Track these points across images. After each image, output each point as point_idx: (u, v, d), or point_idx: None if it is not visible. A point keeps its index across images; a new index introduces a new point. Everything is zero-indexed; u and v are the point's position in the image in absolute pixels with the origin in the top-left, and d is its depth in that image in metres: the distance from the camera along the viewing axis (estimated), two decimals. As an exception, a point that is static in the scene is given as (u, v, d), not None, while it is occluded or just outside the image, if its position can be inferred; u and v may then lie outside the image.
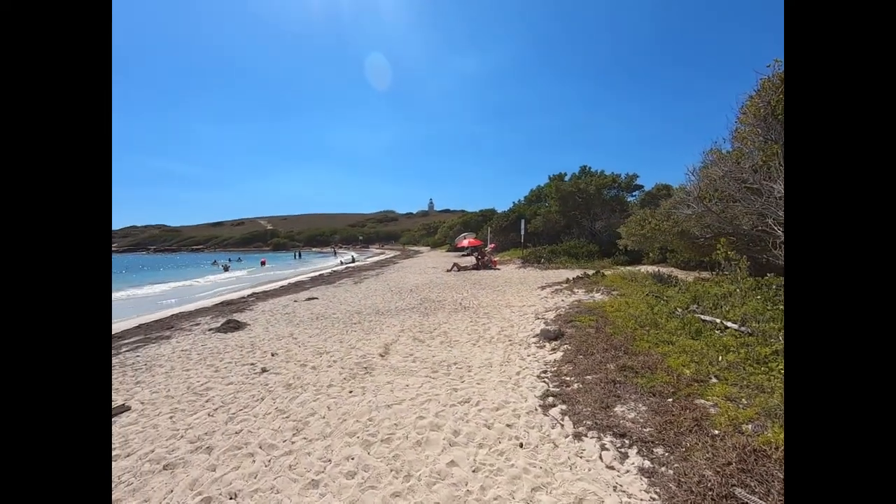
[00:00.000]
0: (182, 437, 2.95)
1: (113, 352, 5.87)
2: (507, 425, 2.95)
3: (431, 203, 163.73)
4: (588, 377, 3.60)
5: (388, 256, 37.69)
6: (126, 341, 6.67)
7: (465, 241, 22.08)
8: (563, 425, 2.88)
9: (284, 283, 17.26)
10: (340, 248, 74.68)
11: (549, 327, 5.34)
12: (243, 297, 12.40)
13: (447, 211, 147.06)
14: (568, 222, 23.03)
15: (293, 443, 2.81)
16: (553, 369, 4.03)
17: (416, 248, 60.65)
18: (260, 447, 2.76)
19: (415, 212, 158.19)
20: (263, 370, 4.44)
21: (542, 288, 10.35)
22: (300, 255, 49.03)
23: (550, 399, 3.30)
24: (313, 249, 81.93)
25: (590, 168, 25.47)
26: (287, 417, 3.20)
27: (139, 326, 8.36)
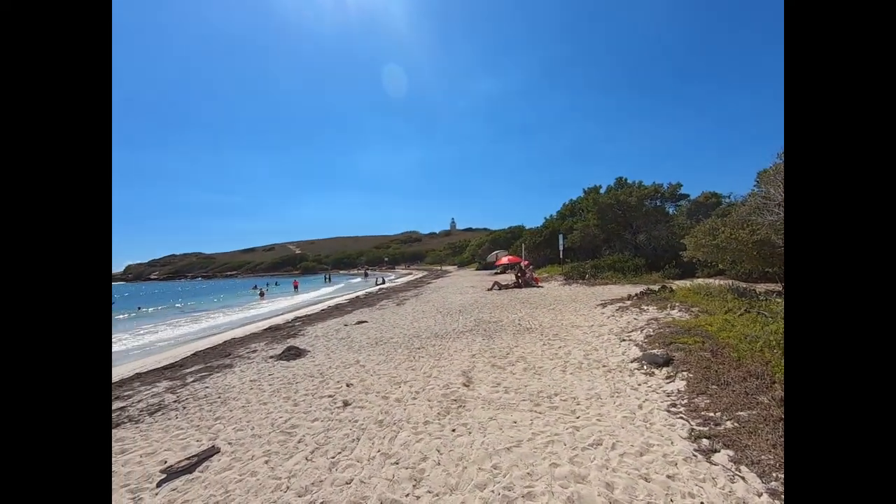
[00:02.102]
0: (288, 488, 2.59)
1: (179, 382, 5.71)
2: (669, 476, 2.43)
3: (453, 222, 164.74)
4: (741, 413, 3.02)
5: (417, 277, 37.52)
6: (188, 370, 6.54)
7: (505, 259, 21.55)
8: (745, 479, 2.33)
9: (324, 306, 17.22)
10: (369, 269, 75.47)
11: (652, 351, 4.77)
12: (289, 322, 12.32)
13: (470, 230, 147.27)
14: (607, 236, 22.18)
15: (419, 498, 2.39)
16: (683, 402, 3.47)
17: (442, 267, 60.43)
18: (382, 503, 2.36)
19: (437, 231, 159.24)
20: (345, 403, 4.09)
21: (602, 305, 9.69)
22: (330, 279, 49.68)
23: (706, 442, 2.75)
24: (340, 272, 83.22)
25: (626, 179, 24.68)
26: (397, 464, 2.80)
27: (195, 354, 8.29)
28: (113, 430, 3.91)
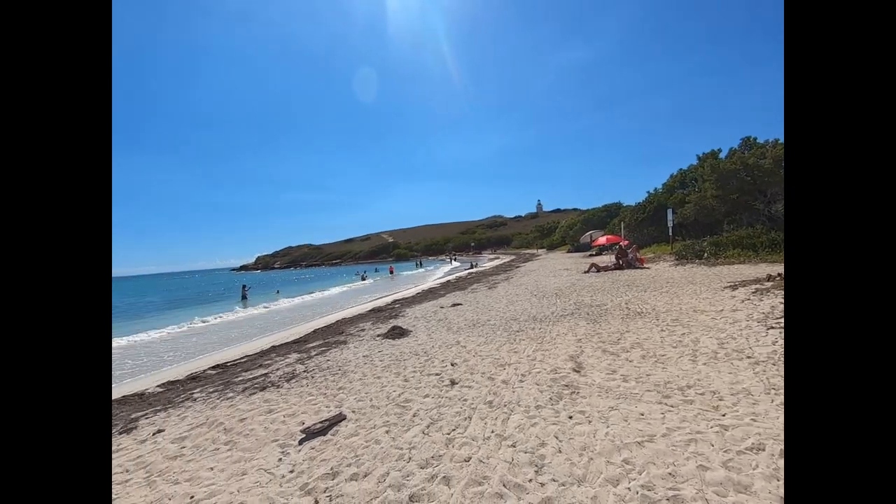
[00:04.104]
0: (410, 459, 2.69)
1: (305, 355, 6.48)
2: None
3: (540, 204, 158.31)
4: None
5: (504, 261, 37.07)
6: (311, 345, 7.40)
7: (602, 239, 19.94)
8: None
9: (418, 290, 18.09)
10: (455, 255, 77.28)
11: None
12: (389, 304, 13.20)
13: (558, 211, 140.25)
14: (730, 208, 18.88)
15: (543, 486, 2.26)
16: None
17: (530, 250, 58.79)
18: (504, 486, 2.28)
19: (523, 214, 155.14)
20: (452, 382, 4.15)
21: (732, 288, 8.24)
22: (421, 264, 52.13)
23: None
24: (429, 258, 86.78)
25: (755, 139, 20.56)
26: (514, 447, 2.70)
27: (315, 331, 9.38)
28: (261, 392, 4.59)
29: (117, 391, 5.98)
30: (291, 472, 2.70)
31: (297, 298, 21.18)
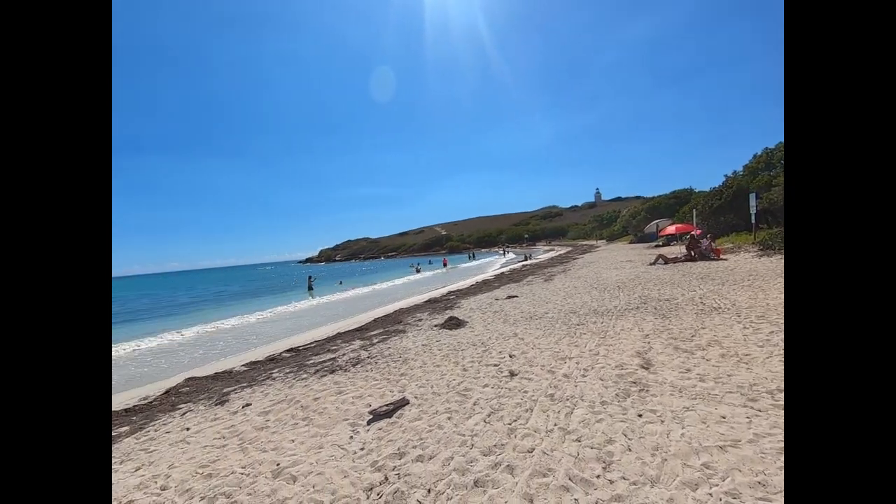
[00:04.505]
0: (473, 445, 2.74)
1: (368, 342, 6.84)
2: None
3: (598, 193, 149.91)
4: None
5: (560, 253, 35.78)
6: (373, 333, 7.78)
7: (671, 228, 18.44)
8: None
9: (472, 282, 18.16)
10: (508, 247, 76.20)
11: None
12: (444, 296, 13.43)
13: (619, 199, 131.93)
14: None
15: (612, 483, 2.18)
16: None
17: (587, 242, 56.12)
18: (571, 479, 2.24)
19: (580, 204, 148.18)
20: (511, 374, 4.13)
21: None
22: (474, 256, 52.18)
23: None
24: (482, 250, 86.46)
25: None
26: (579, 441, 2.64)
27: (375, 320, 9.84)
28: (330, 375, 4.94)
29: (211, 368, 6.80)
30: (362, 449, 2.90)
31: (358, 289, 22.35)
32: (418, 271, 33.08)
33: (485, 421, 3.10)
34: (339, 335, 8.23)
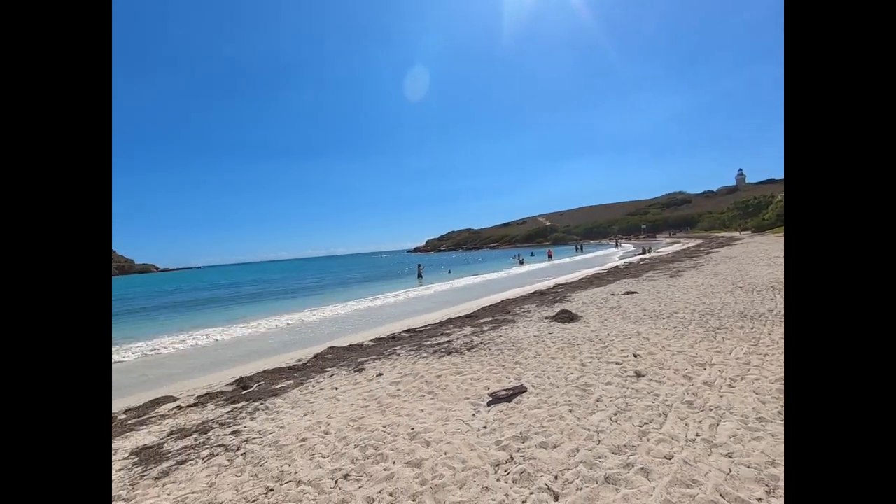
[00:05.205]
0: (600, 441, 2.67)
1: (478, 329, 7.08)
2: None
3: (741, 174, 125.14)
4: None
5: (688, 246, 31.09)
6: (482, 320, 8.02)
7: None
8: None
9: (581, 275, 17.16)
10: (622, 239, 69.47)
11: None
12: (551, 288, 13.01)
13: (770, 181, 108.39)
14: None
15: (780, 510, 1.90)
16: None
17: (725, 233, 47.58)
18: (723, 496, 2.01)
19: (714, 189, 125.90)
20: (638, 375, 3.84)
21: None
22: (581, 248, 49.03)
23: None
24: (591, 242, 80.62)
25: None
26: (730, 457, 2.34)
27: (483, 309, 10.10)
28: (448, 357, 5.30)
29: (346, 341, 7.90)
30: (485, 427, 3.06)
31: (464, 279, 23.18)
32: (522, 263, 32.61)
33: (610, 419, 2.97)
34: (449, 320, 8.71)
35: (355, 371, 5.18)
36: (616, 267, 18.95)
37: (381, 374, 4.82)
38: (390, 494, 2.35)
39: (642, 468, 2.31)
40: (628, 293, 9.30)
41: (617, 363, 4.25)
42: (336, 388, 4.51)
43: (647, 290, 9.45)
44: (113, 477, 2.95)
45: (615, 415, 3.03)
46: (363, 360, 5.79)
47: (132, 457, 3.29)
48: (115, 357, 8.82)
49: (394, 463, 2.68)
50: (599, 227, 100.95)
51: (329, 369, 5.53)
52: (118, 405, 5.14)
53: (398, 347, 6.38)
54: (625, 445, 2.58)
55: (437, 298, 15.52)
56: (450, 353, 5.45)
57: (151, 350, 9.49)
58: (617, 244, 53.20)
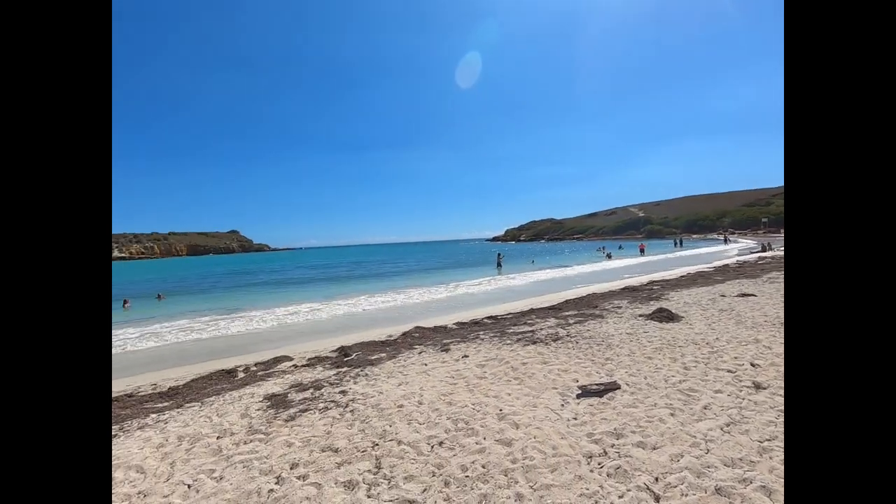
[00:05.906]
0: (708, 451, 2.45)
1: (563, 321, 6.87)
2: None
3: None
4: None
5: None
6: (567, 313, 7.76)
7: None
8: None
9: (681, 272, 15.42)
10: (732, 233, 60.29)
11: None
12: (644, 284, 11.96)
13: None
14: None
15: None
16: None
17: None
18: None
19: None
20: (758, 386, 3.39)
21: None
22: (681, 243, 43.77)
23: None
24: (692, 236, 71.45)
25: None
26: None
27: (567, 301, 9.74)
28: (532, 346, 5.27)
29: (430, 322, 8.31)
30: (575, 419, 3.03)
31: (547, 270, 22.49)
32: (609, 257, 30.34)
33: (722, 429, 2.70)
34: (532, 311, 8.60)
35: (441, 350, 5.46)
36: (726, 265, 16.60)
37: (466, 356, 5.01)
38: (483, 466, 2.48)
39: (763, 486, 2.08)
40: (743, 295, 8.13)
41: (729, 371, 3.80)
42: (426, 364, 4.82)
43: (769, 294, 8.14)
44: (252, 415, 3.61)
45: (728, 425, 2.75)
46: (448, 341, 6.06)
47: (265, 401, 3.97)
48: (257, 324, 10.51)
49: (484, 439, 2.81)
50: (705, 219, 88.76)
51: (417, 346, 5.92)
52: (248, 360, 6.19)
53: (481, 332, 6.53)
54: (740, 459, 2.33)
55: (516, 288, 15.38)
56: (534, 343, 5.41)
57: (274, 318, 11.14)
58: (726, 240, 46.21)
